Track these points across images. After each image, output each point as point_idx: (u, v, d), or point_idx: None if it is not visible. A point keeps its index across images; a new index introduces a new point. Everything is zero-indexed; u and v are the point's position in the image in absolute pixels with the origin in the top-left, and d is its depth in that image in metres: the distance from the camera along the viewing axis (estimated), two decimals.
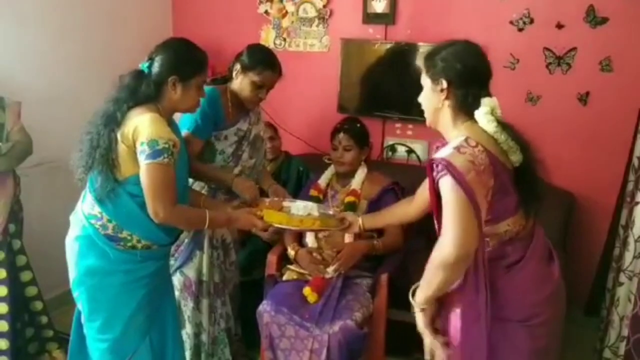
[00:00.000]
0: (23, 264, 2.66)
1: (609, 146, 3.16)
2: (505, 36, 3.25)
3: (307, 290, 2.44)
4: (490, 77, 1.74)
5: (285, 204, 2.33)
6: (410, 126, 3.57)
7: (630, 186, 2.76)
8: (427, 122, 1.79)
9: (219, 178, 2.44)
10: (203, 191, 2.47)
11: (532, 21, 3.20)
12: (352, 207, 2.58)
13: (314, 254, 2.58)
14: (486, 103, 1.65)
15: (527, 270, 1.68)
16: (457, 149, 1.57)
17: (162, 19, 3.97)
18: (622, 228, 2.79)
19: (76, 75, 3.29)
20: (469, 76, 1.67)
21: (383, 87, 3.53)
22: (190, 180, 2.48)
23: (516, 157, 1.64)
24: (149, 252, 2.00)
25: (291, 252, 2.64)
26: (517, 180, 1.66)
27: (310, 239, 2.65)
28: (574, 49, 3.15)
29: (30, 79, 3.04)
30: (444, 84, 1.66)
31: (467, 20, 3.31)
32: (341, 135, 2.65)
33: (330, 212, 2.37)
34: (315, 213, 2.28)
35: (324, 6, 3.62)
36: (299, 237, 2.72)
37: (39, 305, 2.76)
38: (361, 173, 2.68)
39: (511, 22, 3.23)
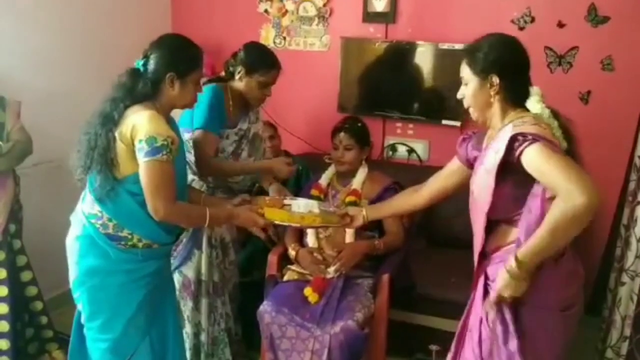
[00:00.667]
0: (23, 264, 2.66)
1: (610, 145, 3.15)
2: None
3: (308, 291, 2.43)
4: (530, 67, 1.74)
5: (286, 201, 2.32)
6: (410, 125, 3.56)
7: (632, 185, 2.75)
8: (475, 118, 1.78)
9: (252, 167, 2.57)
10: (202, 189, 2.47)
11: (533, 20, 3.19)
12: (353, 206, 2.56)
13: (315, 254, 2.58)
14: (535, 91, 1.67)
15: (569, 262, 1.69)
16: (537, 125, 1.56)
17: (161, 18, 3.96)
18: (624, 227, 2.78)
19: (76, 74, 3.28)
20: (516, 67, 1.69)
21: (383, 86, 3.52)
22: (190, 177, 2.49)
23: (564, 144, 1.64)
24: (150, 251, 1.99)
25: (292, 253, 2.63)
26: None
27: (311, 239, 2.64)
28: (575, 47, 3.14)
29: (30, 78, 3.03)
30: (496, 79, 1.67)
31: (468, 18, 3.30)
32: (342, 134, 2.65)
33: (331, 209, 2.37)
34: (316, 210, 2.28)
35: (324, 5, 3.61)
36: (300, 237, 2.71)
37: (39, 305, 2.75)
38: (362, 172, 2.67)
39: (512, 21, 3.23)
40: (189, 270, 2.52)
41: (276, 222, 2.19)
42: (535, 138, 1.52)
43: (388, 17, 3.47)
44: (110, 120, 1.86)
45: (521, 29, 3.21)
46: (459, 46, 3.23)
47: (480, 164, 1.74)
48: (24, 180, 2.68)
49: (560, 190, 1.48)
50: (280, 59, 2.51)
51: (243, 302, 2.75)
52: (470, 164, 1.91)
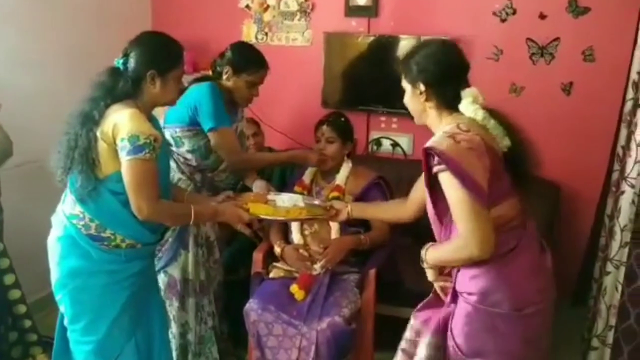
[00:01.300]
0: (6, 267, 2.60)
1: (594, 136, 3.18)
2: (489, 27, 3.24)
3: (294, 288, 2.42)
4: (468, 69, 1.78)
5: (270, 196, 2.32)
6: (394, 119, 3.56)
7: (615, 175, 2.76)
8: (415, 122, 1.83)
9: (282, 157, 2.73)
10: (189, 189, 2.45)
11: (514, 12, 3.20)
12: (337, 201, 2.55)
13: (301, 251, 2.56)
14: (467, 94, 1.69)
15: (521, 259, 1.68)
16: (453, 137, 1.59)
17: (142, 15, 3.91)
18: (608, 217, 2.80)
19: (58, 73, 3.22)
20: (445, 75, 1.71)
21: (367, 80, 3.51)
22: (177, 177, 2.47)
23: (505, 142, 1.68)
24: (134, 251, 1.96)
25: (277, 250, 2.61)
26: (508, 164, 1.69)
27: (296, 236, 2.62)
28: (557, 39, 3.15)
29: (11, 78, 2.96)
30: (422, 87, 1.71)
31: (450, 11, 3.31)
32: (324, 127, 2.64)
33: (316, 202, 2.36)
34: (301, 204, 2.27)
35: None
36: (285, 234, 2.70)
37: (22, 308, 2.70)
38: (345, 168, 2.65)
39: (494, 13, 3.23)
40: (174, 270, 2.49)
41: (261, 216, 2.19)
42: (446, 161, 1.55)
43: (370, 11, 3.46)
44: (90, 120, 1.83)
45: (503, 20, 3.22)
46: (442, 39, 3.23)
47: None
48: (6, 182, 2.62)
49: (461, 232, 1.60)
50: (263, 54, 2.51)
51: (229, 301, 2.73)
52: None
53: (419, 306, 1.93)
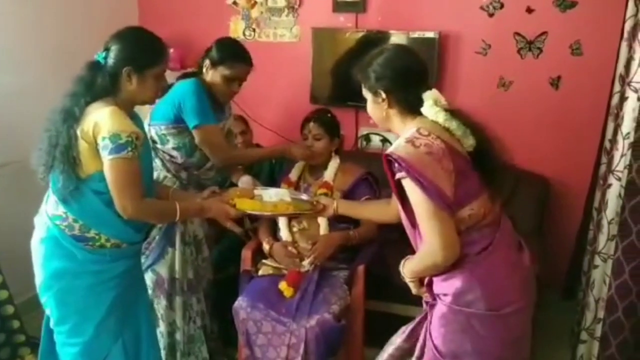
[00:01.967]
0: None
1: (581, 129, 3.18)
2: (476, 22, 3.24)
3: (283, 285, 2.41)
4: (426, 72, 1.79)
5: (257, 191, 2.29)
6: None
7: (602, 169, 2.77)
8: (380, 129, 1.84)
9: (266, 151, 2.75)
10: (175, 186, 2.43)
11: (502, 6, 3.19)
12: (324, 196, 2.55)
13: (289, 248, 2.55)
14: (428, 97, 1.68)
15: (496, 256, 1.67)
16: (411, 142, 1.59)
17: (129, 11, 3.88)
18: (596, 211, 2.80)
19: (43, 71, 3.19)
20: (403, 80, 1.71)
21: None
22: (162, 175, 2.45)
23: (470, 141, 1.68)
24: (119, 251, 1.95)
25: (266, 247, 2.61)
26: (476, 163, 1.68)
27: (284, 233, 2.61)
28: (545, 33, 3.15)
29: None
30: (383, 95, 1.71)
31: (438, 6, 3.30)
32: (311, 124, 2.63)
33: (303, 197, 2.35)
34: (288, 198, 2.26)
35: None
36: (274, 231, 2.69)
37: (10, 309, 2.69)
38: (333, 164, 2.64)
39: (481, 8, 3.22)
40: (162, 269, 2.48)
41: (248, 212, 2.17)
42: (408, 172, 1.56)
43: (358, 7, 3.44)
44: (71, 117, 1.81)
45: (490, 15, 3.21)
46: (430, 34, 3.23)
47: None
48: None
49: (424, 238, 1.63)
50: (251, 51, 2.48)
51: (219, 299, 2.72)
52: None
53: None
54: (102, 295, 1.92)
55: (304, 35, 3.59)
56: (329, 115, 2.69)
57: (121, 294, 1.96)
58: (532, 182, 3.16)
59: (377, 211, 2.23)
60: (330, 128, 2.65)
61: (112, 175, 1.78)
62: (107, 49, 1.89)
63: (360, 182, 2.62)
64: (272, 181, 2.97)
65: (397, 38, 3.35)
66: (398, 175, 1.61)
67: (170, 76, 3.07)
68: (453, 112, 1.69)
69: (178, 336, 2.54)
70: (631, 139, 2.29)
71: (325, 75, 3.58)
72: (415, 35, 3.27)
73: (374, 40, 3.38)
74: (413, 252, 1.78)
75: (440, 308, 1.71)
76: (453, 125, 1.66)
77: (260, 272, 2.57)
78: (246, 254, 2.65)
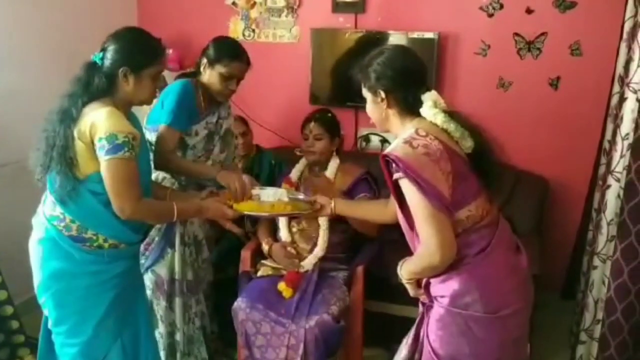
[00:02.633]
0: None
1: (581, 130, 3.19)
2: (476, 22, 3.24)
3: (282, 286, 2.41)
4: (426, 72, 1.80)
5: (254, 191, 2.28)
6: None
7: (602, 169, 2.77)
8: (378, 129, 1.86)
9: (203, 172, 2.41)
10: (174, 187, 2.42)
11: (501, 7, 3.20)
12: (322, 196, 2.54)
13: (288, 248, 2.55)
14: (427, 98, 1.69)
15: (493, 260, 1.66)
16: (409, 142, 1.59)
17: (127, 12, 3.88)
18: (595, 211, 2.80)
19: (41, 71, 3.19)
20: (403, 80, 1.71)
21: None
22: (162, 176, 2.44)
23: (468, 143, 1.68)
24: (117, 251, 1.95)
25: (265, 247, 2.60)
26: (474, 165, 1.69)
27: (284, 233, 2.61)
28: (544, 34, 3.15)
29: None
30: (382, 95, 1.71)
31: (437, 6, 3.30)
32: (312, 124, 2.62)
33: (301, 197, 2.34)
34: (285, 198, 2.25)
35: None
36: (273, 232, 2.69)
37: (9, 310, 2.69)
38: (333, 164, 2.64)
39: (481, 8, 3.23)
40: (162, 270, 2.47)
41: (246, 212, 2.17)
42: (406, 173, 1.56)
43: (357, 7, 3.45)
44: (68, 117, 1.81)
45: (490, 15, 3.22)
46: (429, 34, 3.23)
47: None
48: None
49: (421, 239, 1.62)
50: (250, 51, 2.47)
51: (218, 299, 2.72)
52: None
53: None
54: (100, 295, 1.92)
55: (304, 36, 3.59)
56: (330, 115, 2.69)
57: (120, 294, 1.96)
58: (531, 183, 3.16)
59: (375, 211, 2.23)
60: (331, 128, 2.64)
61: (109, 176, 1.78)
62: (103, 50, 1.88)
63: (359, 182, 2.62)
64: (272, 182, 2.97)
65: (396, 38, 3.35)
66: (396, 176, 1.61)
67: (169, 76, 3.09)
68: (452, 113, 1.69)
69: (178, 337, 2.54)
70: (630, 139, 2.29)
71: (324, 76, 3.58)
72: (415, 35, 3.27)
73: (373, 40, 3.38)
74: (412, 253, 1.78)
75: (437, 310, 1.71)
76: (451, 126, 1.66)
77: (259, 273, 2.57)
78: (245, 254, 2.65)
